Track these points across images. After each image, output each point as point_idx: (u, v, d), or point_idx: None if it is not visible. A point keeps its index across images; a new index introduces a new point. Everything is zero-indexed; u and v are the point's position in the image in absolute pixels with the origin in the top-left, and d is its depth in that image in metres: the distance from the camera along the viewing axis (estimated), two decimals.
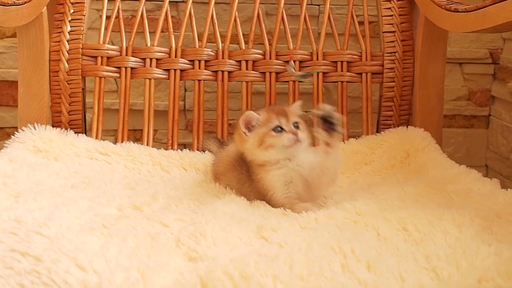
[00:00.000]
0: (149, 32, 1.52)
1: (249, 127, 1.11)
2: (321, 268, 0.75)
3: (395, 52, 1.51)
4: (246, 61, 1.52)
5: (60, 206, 0.97)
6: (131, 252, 0.80)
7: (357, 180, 1.30)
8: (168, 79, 1.51)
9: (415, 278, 0.74)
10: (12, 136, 1.34)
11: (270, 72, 1.52)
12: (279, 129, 1.09)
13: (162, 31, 1.53)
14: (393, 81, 1.51)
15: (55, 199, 1.03)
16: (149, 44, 1.51)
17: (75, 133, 1.43)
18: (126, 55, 1.49)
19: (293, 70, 1.41)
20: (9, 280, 0.71)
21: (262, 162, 1.11)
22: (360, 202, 1.08)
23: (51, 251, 0.77)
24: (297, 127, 1.10)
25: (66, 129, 1.44)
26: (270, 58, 1.52)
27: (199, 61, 1.51)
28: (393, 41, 1.52)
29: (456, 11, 1.24)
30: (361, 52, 1.53)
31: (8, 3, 1.23)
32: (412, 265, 0.78)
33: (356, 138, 1.49)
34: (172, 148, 1.47)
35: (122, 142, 1.45)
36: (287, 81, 1.52)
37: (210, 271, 0.73)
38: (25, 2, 1.29)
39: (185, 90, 1.81)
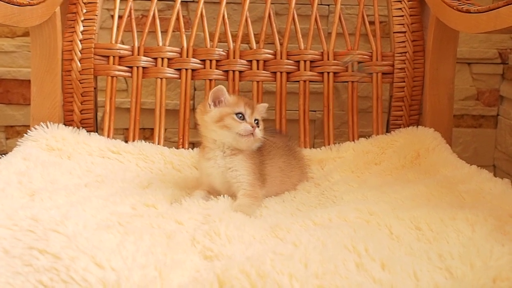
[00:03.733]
0: (160, 32, 1.52)
1: (216, 102, 1.16)
2: (336, 266, 0.75)
3: (405, 52, 1.51)
4: (257, 60, 1.52)
5: (76, 204, 0.98)
6: (148, 250, 0.81)
7: (367, 179, 1.30)
8: (180, 78, 1.51)
9: (429, 277, 0.75)
10: (25, 135, 1.35)
11: (280, 72, 1.52)
12: (241, 117, 1.13)
13: (173, 31, 1.53)
14: (403, 81, 1.52)
15: (70, 197, 1.04)
16: (160, 43, 1.52)
17: (87, 131, 1.44)
18: (138, 55, 1.50)
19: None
20: (28, 277, 0.72)
21: (210, 141, 1.16)
22: (372, 201, 1.09)
23: (69, 249, 0.77)
24: (257, 124, 1.15)
25: (78, 127, 1.45)
26: (281, 58, 1.52)
27: (210, 60, 1.52)
28: (403, 41, 1.52)
29: (468, 11, 1.23)
30: (371, 52, 1.53)
31: (23, 3, 1.24)
32: (426, 264, 0.79)
33: (366, 138, 1.49)
34: (183, 147, 1.48)
35: (133, 141, 1.46)
36: (298, 81, 1.53)
37: (226, 269, 0.73)
38: (39, 2, 1.30)
39: (195, 90, 1.81)
